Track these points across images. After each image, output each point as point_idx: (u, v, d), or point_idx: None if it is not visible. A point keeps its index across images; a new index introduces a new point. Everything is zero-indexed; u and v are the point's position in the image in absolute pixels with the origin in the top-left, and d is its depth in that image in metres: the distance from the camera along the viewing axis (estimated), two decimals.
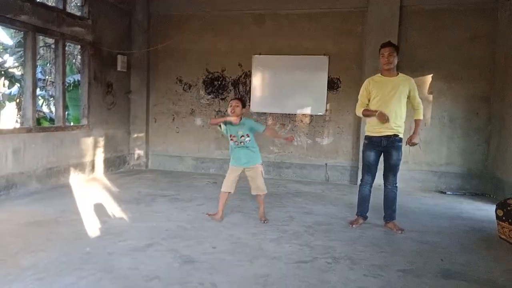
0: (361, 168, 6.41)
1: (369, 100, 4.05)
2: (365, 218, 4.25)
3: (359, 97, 4.15)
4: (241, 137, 4.09)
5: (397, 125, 3.95)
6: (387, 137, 3.95)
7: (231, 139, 4.15)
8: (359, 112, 4.12)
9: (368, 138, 4.07)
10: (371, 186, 4.17)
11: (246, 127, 4.09)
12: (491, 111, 6.19)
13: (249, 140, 4.11)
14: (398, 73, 4.03)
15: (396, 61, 3.96)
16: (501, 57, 6.00)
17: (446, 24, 6.29)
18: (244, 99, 4.36)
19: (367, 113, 4.02)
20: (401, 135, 3.99)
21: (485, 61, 6.20)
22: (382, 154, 4.07)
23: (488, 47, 6.17)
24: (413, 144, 4.04)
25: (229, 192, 4.18)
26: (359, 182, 6.56)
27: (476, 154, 6.31)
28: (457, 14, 6.26)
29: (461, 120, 6.34)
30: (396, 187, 4.09)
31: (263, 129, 4.17)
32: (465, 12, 6.23)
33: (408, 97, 4.01)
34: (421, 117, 4.05)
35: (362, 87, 4.13)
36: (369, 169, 4.12)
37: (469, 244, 3.75)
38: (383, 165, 4.10)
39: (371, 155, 4.06)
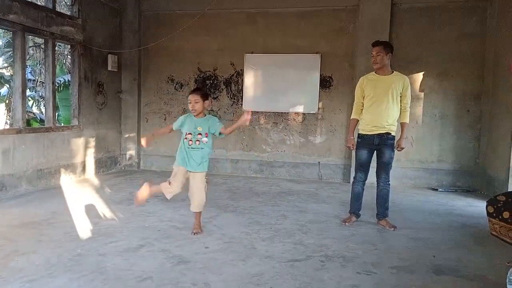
0: (354, 166, 6.50)
1: (363, 98, 4.07)
2: (358, 216, 4.26)
3: (355, 96, 4.17)
4: (198, 134, 3.51)
5: (390, 124, 3.96)
6: (380, 135, 3.97)
7: (185, 138, 3.55)
8: (352, 116, 4.20)
9: (361, 136, 4.08)
10: (363, 184, 4.18)
11: (207, 125, 3.55)
12: (482, 108, 6.24)
13: (207, 142, 3.54)
14: (392, 71, 4.02)
15: (386, 60, 3.95)
16: (490, 54, 6.06)
17: (437, 22, 6.33)
18: (205, 90, 3.63)
19: (349, 129, 4.26)
20: (393, 133, 4.00)
21: (475, 59, 6.25)
22: (375, 152, 4.08)
23: (478, 44, 6.22)
24: (401, 149, 4.07)
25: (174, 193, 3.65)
26: (351, 180, 6.63)
27: (468, 151, 6.36)
28: (448, 11, 6.30)
29: (452, 118, 6.39)
30: (389, 184, 4.09)
31: (218, 131, 3.54)
32: (456, 10, 6.28)
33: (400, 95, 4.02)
34: (407, 120, 4.04)
35: (357, 85, 4.16)
36: (362, 167, 4.13)
37: (460, 240, 3.78)
38: (376, 163, 4.11)
39: (364, 153, 4.07)
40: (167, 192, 3.65)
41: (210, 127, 3.55)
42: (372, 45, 4.03)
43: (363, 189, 4.18)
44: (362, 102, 4.08)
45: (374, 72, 4.06)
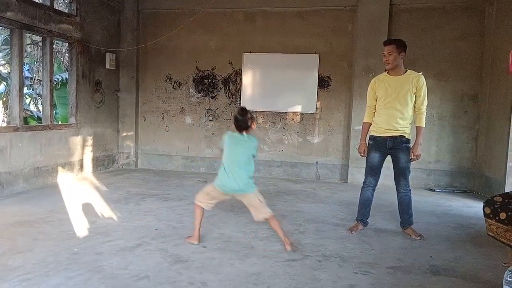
0: (351, 165, 6.52)
1: (376, 101, 3.86)
2: (365, 224, 4.00)
3: (367, 99, 3.96)
4: None
5: (403, 126, 3.74)
6: (393, 137, 3.75)
7: None
8: (364, 120, 3.99)
9: (373, 138, 3.87)
10: (373, 190, 3.95)
11: None
12: (479, 109, 6.26)
13: None
14: (406, 70, 3.78)
15: (399, 60, 3.71)
16: (488, 55, 6.07)
17: (435, 23, 6.33)
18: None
19: (361, 133, 4.01)
20: (408, 136, 3.77)
21: (473, 59, 6.26)
22: (390, 157, 3.86)
23: (477, 45, 6.23)
24: (418, 157, 3.80)
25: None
26: (349, 180, 6.64)
27: (465, 152, 6.37)
28: (446, 12, 6.31)
29: (450, 118, 6.40)
30: (410, 190, 3.87)
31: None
32: (454, 11, 6.29)
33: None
34: (423, 124, 3.78)
35: (368, 87, 3.95)
36: (373, 171, 3.90)
37: (457, 241, 3.80)
38: (392, 169, 3.90)
39: (376, 156, 3.85)
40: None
41: None
42: (383, 44, 3.78)
43: (372, 195, 3.95)
44: (375, 105, 3.87)
45: (386, 73, 3.83)
